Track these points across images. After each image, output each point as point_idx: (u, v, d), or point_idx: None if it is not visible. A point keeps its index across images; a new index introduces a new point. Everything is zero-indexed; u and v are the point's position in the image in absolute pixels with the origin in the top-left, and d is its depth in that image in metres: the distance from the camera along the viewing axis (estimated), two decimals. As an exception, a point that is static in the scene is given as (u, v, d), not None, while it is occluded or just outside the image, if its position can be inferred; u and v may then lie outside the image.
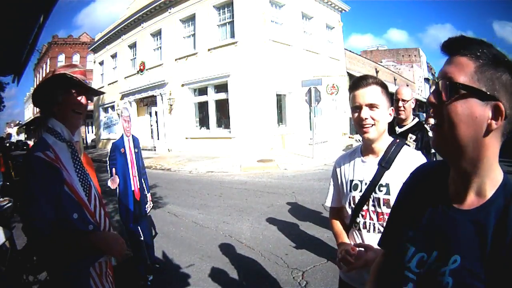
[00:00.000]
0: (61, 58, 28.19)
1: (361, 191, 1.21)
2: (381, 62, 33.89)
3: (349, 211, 1.24)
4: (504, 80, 0.54)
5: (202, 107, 13.33)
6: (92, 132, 22.31)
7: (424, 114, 23.85)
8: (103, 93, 1.52)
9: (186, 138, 13.41)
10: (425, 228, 0.66)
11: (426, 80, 45.07)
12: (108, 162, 3.03)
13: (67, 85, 1.21)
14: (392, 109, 1.22)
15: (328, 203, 1.37)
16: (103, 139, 19.40)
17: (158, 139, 15.02)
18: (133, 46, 16.53)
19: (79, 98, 1.24)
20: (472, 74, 0.55)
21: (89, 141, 24.35)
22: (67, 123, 1.22)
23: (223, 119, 12.59)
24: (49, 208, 1.06)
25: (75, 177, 1.20)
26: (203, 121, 13.32)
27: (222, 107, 12.38)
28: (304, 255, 3.19)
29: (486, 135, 0.55)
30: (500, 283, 0.52)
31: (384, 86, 1.20)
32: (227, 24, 12.13)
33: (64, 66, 1.29)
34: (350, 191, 1.24)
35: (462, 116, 0.55)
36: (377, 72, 21.57)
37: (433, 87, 0.61)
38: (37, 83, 1.26)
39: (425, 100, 39.29)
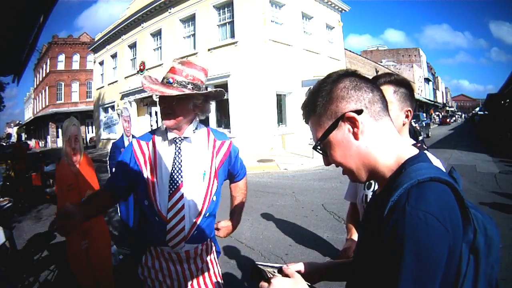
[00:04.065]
0: (61, 58, 28.17)
1: (373, 190, 1.22)
2: (381, 62, 33.88)
3: (361, 208, 1.28)
4: (335, 95, 0.64)
5: (202, 107, 13.30)
6: (92, 132, 22.33)
7: (424, 114, 23.88)
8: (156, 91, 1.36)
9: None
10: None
11: (426, 80, 45.08)
12: (108, 162, 3.03)
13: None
14: (409, 110, 1.14)
15: (344, 196, 1.48)
16: (103, 139, 19.38)
17: (158, 139, 14.99)
18: (133, 46, 16.52)
19: (160, 101, 1.31)
20: (319, 123, 0.66)
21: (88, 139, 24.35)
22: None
23: (223, 119, 12.58)
24: (120, 177, 1.34)
25: (165, 173, 1.28)
26: (203, 121, 13.13)
27: (222, 107, 12.37)
28: (304, 255, 3.19)
29: (358, 141, 0.63)
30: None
31: (400, 85, 1.14)
32: (227, 24, 12.13)
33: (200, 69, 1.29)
34: (364, 189, 1.27)
35: (338, 152, 0.65)
36: (377, 72, 21.55)
37: None
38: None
39: (425, 100, 39.45)
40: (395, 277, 0.50)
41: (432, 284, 0.50)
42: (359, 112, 0.62)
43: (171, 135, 1.29)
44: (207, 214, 1.33)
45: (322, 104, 0.66)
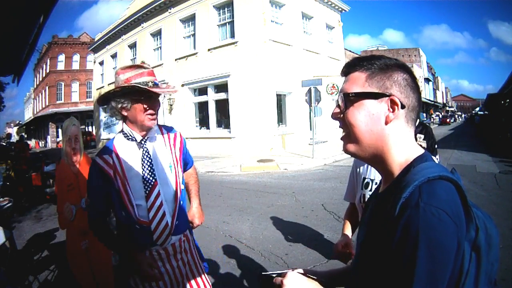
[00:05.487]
0: (61, 58, 28.17)
1: (371, 190, 1.24)
2: (381, 62, 33.82)
3: (360, 208, 1.30)
4: (395, 77, 0.64)
5: (202, 107, 13.32)
6: (92, 131, 22.36)
7: (424, 114, 23.94)
8: (174, 91, 1.51)
9: (186, 138, 13.24)
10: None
11: (426, 80, 45.09)
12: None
13: (137, 94, 1.26)
14: None
15: (344, 197, 1.51)
16: (103, 139, 19.38)
17: (158, 139, 15.00)
18: (133, 46, 16.52)
19: (149, 102, 1.29)
20: (363, 82, 0.65)
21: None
22: (137, 125, 1.32)
23: (223, 119, 12.59)
24: (98, 202, 1.33)
25: (136, 177, 1.30)
26: (203, 121, 13.31)
27: (222, 107, 12.38)
28: (304, 255, 3.19)
29: (386, 126, 0.64)
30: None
31: None
32: (227, 24, 12.13)
33: (130, 68, 1.30)
34: (362, 189, 1.30)
35: (360, 117, 0.64)
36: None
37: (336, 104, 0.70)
38: (105, 91, 1.35)
39: (425, 100, 39.47)
40: (410, 273, 0.50)
41: (443, 279, 0.51)
42: (402, 106, 0.64)
43: (138, 137, 1.34)
44: (181, 202, 1.41)
45: (378, 70, 0.65)
